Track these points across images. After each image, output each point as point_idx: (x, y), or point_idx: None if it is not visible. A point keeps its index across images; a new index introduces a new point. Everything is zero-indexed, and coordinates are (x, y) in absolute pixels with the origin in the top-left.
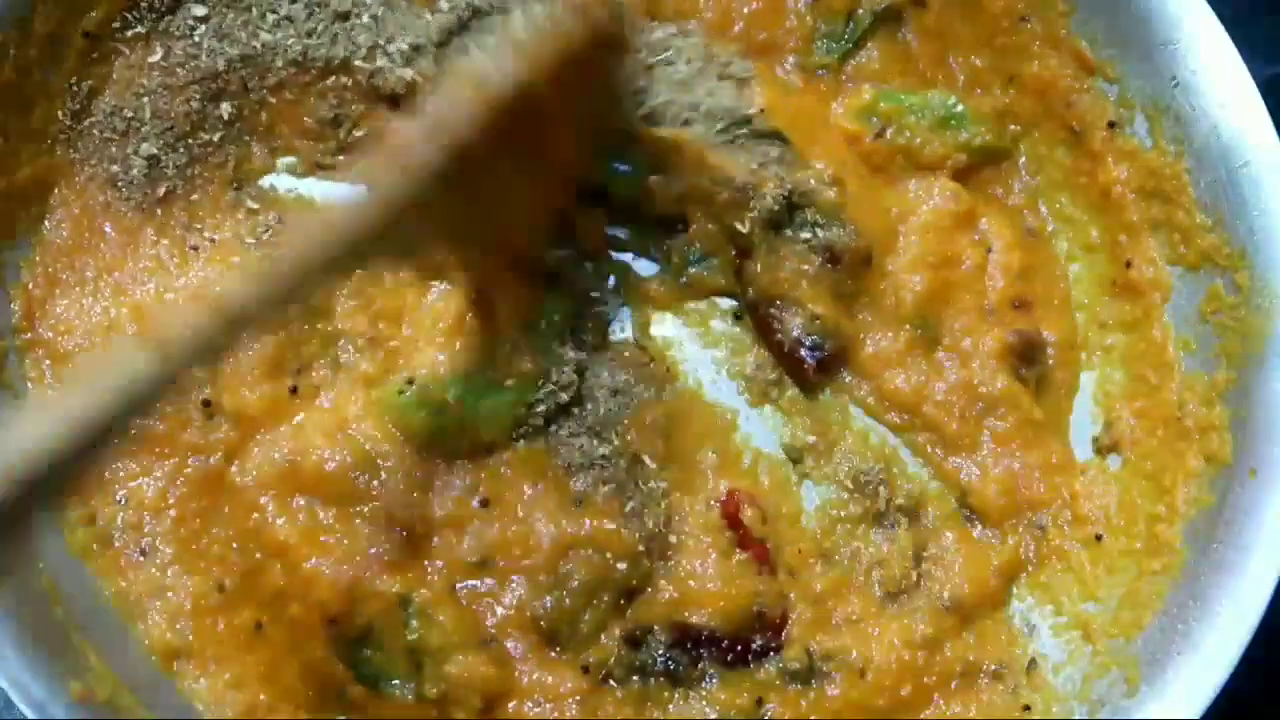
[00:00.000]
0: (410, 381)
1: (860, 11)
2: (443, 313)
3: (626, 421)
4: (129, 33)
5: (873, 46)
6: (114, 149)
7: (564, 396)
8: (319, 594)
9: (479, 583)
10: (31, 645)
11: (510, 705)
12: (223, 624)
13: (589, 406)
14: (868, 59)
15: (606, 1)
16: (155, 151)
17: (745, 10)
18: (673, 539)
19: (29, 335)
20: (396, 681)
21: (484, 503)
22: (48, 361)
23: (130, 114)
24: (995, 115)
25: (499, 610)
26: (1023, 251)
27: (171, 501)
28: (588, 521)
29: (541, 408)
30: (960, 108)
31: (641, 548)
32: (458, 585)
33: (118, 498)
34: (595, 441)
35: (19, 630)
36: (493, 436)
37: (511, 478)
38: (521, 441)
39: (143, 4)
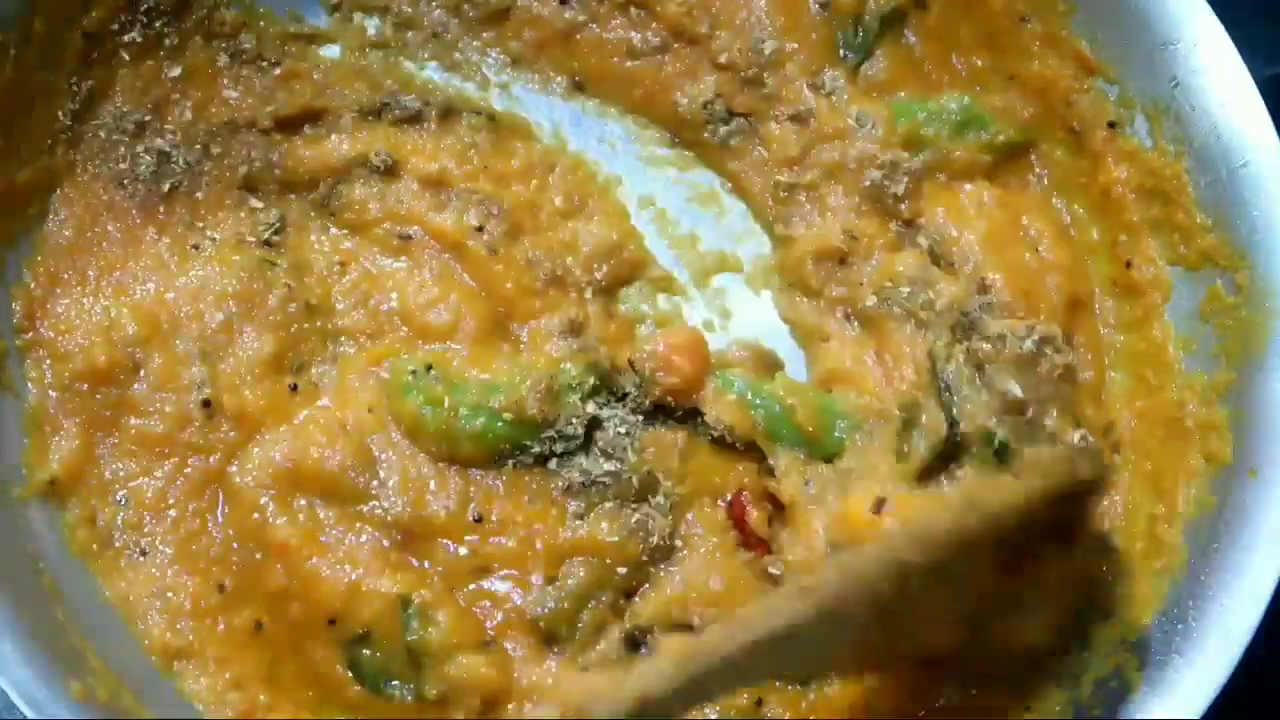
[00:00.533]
0: (429, 368)
1: (867, 18)
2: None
3: (644, 439)
4: (125, 38)
5: (880, 55)
6: (123, 149)
7: (560, 448)
8: (319, 594)
9: (477, 586)
10: (31, 645)
11: (510, 706)
12: (223, 624)
13: (597, 434)
14: (876, 69)
15: (1096, 456)
16: (168, 149)
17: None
18: (677, 541)
19: (30, 335)
20: (396, 682)
21: (478, 518)
22: (48, 361)
23: (147, 118)
24: (1008, 110)
25: (498, 612)
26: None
27: (171, 501)
28: (586, 534)
29: (536, 449)
30: (976, 108)
31: (645, 557)
32: (455, 590)
33: (118, 498)
34: (601, 460)
35: (19, 630)
36: (469, 455)
37: (505, 496)
38: (510, 463)
39: (140, 9)
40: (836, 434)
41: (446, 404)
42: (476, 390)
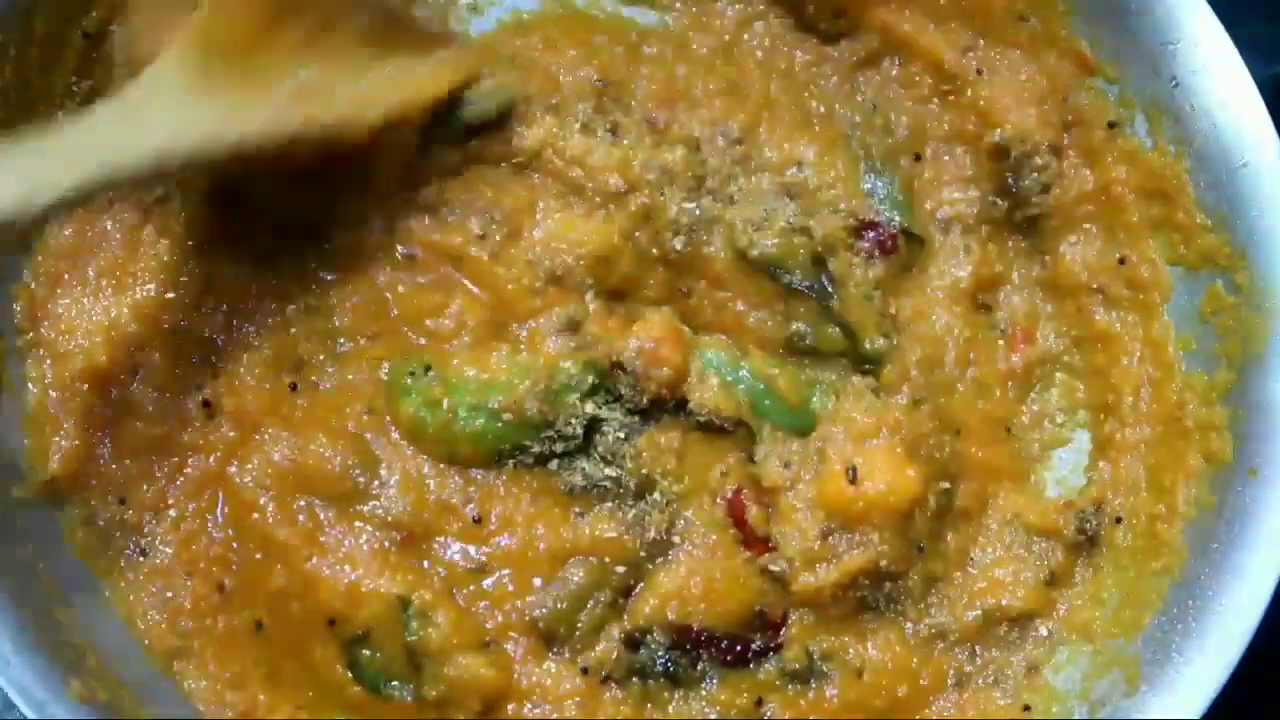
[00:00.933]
0: (428, 369)
1: None
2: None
3: (640, 444)
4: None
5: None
6: None
7: (560, 448)
8: (319, 594)
9: (477, 586)
10: (31, 645)
11: (509, 707)
12: (222, 624)
13: (597, 438)
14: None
15: None
16: None
17: None
18: (676, 539)
19: (31, 335)
20: (395, 683)
21: (478, 519)
22: (49, 361)
23: None
24: None
25: (498, 613)
26: None
27: (171, 501)
28: (588, 531)
29: (536, 449)
30: None
31: (643, 553)
32: (455, 590)
33: (117, 498)
34: (602, 465)
35: (19, 630)
36: (469, 456)
37: (505, 495)
38: (510, 463)
39: None
40: (815, 401)
41: (445, 405)
42: (475, 391)
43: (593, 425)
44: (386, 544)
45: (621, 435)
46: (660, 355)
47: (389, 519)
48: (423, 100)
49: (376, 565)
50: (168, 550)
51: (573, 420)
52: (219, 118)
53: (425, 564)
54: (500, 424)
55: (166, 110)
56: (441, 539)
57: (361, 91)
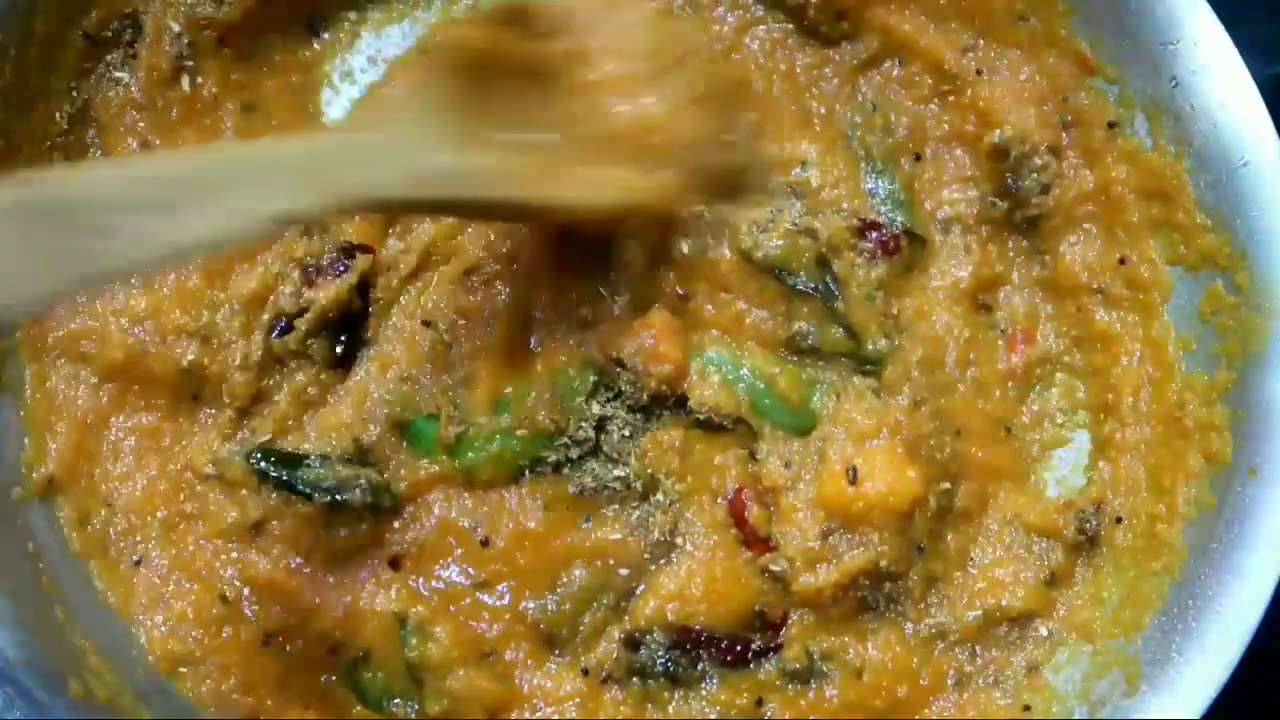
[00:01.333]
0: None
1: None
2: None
3: (644, 443)
4: (107, 56)
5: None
6: None
7: (575, 453)
8: (318, 625)
9: (475, 600)
10: (31, 645)
11: (513, 715)
12: (229, 631)
13: (603, 438)
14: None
15: None
16: None
17: None
18: (678, 540)
19: (32, 331)
20: (398, 701)
21: (485, 541)
22: (48, 361)
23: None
24: None
25: (497, 624)
26: None
27: (162, 515)
28: (593, 534)
29: (552, 458)
30: None
31: (647, 555)
32: (453, 605)
33: (109, 500)
34: (610, 465)
35: (19, 630)
36: (490, 478)
37: (516, 512)
38: (527, 475)
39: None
40: (816, 400)
41: (452, 435)
42: (486, 419)
43: (599, 425)
44: (382, 573)
45: (626, 433)
46: (660, 352)
47: (389, 551)
48: (641, 204)
49: (371, 586)
50: (163, 562)
51: (583, 424)
52: (454, 157)
53: (421, 583)
54: (515, 440)
55: (411, 142)
56: (443, 560)
57: (579, 170)
